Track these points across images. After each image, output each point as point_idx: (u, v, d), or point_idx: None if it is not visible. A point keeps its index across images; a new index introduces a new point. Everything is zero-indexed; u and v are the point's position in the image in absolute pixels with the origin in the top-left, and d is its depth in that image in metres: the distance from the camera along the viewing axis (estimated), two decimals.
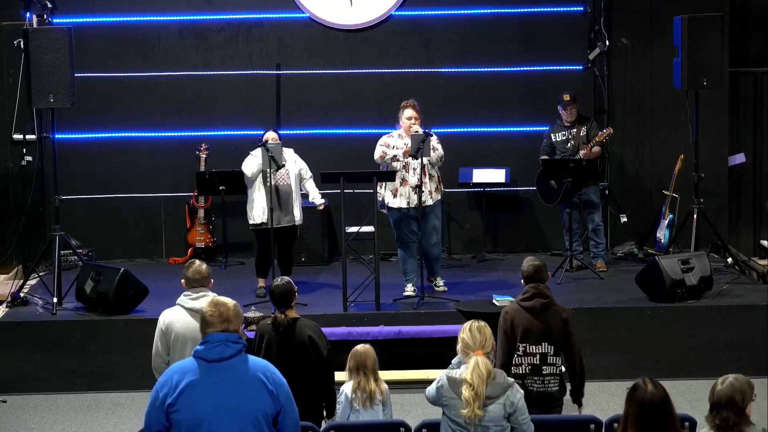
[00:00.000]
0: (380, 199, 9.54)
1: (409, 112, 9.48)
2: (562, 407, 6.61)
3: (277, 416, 4.56)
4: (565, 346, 6.51)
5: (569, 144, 10.50)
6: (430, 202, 9.45)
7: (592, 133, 10.46)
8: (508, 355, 6.44)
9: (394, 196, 9.47)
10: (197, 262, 6.59)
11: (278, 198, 9.45)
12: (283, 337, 6.37)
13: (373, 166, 9.71)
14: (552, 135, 10.63)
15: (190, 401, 4.48)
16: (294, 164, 9.66)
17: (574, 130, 10.52)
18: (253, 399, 4.51)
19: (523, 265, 6.67)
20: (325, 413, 6.44)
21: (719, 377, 4.77)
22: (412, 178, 9.37)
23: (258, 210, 9.48)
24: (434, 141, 9.40)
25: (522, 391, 5.64)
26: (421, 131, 9.28)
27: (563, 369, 6.56)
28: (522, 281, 6.65)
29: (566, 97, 10.54)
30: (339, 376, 6.61)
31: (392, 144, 9.50)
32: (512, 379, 5.67)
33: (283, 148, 9.53)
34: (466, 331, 5.72)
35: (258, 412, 4.50)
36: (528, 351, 6.47)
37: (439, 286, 9.77)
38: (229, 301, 4.71)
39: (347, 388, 6.35)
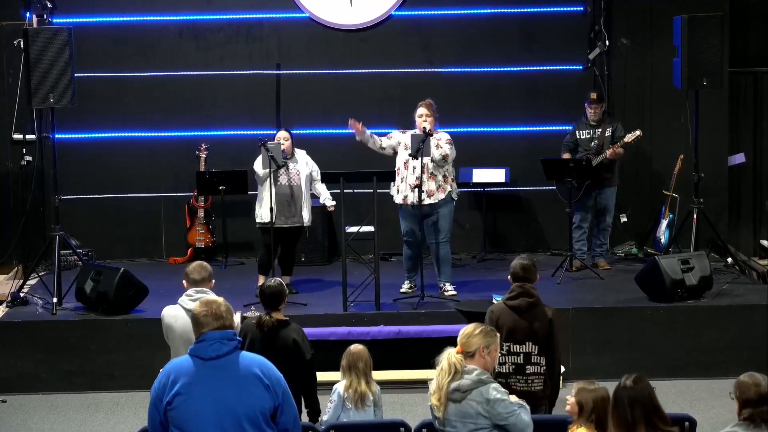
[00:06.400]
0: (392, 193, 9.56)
1: (420, 110, 9.38)
2: (548, 407, 6.59)
3: (275, 411, 4.54)
4: (548, 346, 6.50)
5: (593, 143, 10.49)
6: (428, 201, 9.34)
7: (618, 134, 10.45)
8: None
9: (397, 192, 9.48)
10: (199, 262, 6.59)
11: (290, 198, 9.44)
12: (266, 338, 6.33)
13: (372, 166, 9.71)
14: (577, 132, 10.62)
15: (187, 399, 4.47)
16: (306, 165, 9.61)
17: (599, 130, 10.52)
18: (250, 395, 4.49)
19: (512, 263, 6.69)
20: (308, 418, 6.37)
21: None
22: (411, 177, 9.36)
23: (266, 209, 9.45)
24: (442, 140, 9.34)
25: (500, 390, 5.45)
26: (427, 129, 9.22)
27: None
28: (510, 279, 6.66)
29: (593, 95, 10.57)
30: (337, 376, 6.60)
31: (397, 140, 9.47)
32: (489, 379, 5.49)
33: (296, 149, 9.58)
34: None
35: (255, 409, 4.48)
36: (512, 350, 6.47)
37: (447, 291, 9.54)
38: (219, 299, 4.71)
39: (340, 387, 6.34)
